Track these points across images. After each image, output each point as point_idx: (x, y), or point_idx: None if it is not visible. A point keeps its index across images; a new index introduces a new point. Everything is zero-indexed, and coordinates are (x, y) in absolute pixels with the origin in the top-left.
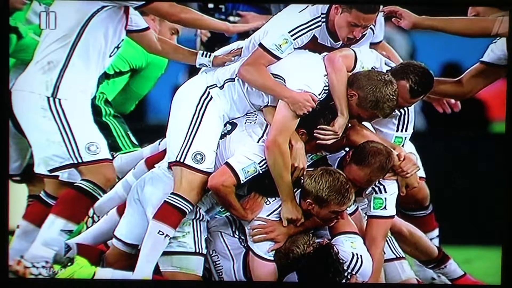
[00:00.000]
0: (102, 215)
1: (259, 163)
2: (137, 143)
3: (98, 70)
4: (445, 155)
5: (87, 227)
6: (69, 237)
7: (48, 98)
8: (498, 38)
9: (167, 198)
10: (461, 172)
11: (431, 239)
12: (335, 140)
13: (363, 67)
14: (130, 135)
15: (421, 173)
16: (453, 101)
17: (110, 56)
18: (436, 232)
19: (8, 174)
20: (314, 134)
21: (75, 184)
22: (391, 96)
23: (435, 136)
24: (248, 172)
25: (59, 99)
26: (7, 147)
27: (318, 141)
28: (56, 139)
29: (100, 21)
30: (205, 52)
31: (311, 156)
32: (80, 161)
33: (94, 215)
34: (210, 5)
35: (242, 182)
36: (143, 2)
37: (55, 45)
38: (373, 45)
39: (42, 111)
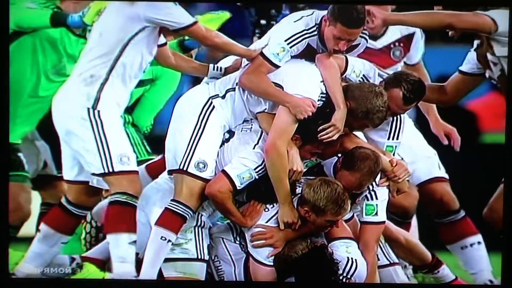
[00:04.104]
0: (101, 220)
1: (254, 169)
2: (151, 152)
3: (132, 84)
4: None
5: (86, 233)
6: (65, 246)
7: (89, 109)
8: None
9: (168, 205)
10: (460, 174)
11: (471, 245)
12: (339, 134)
13: (354, 71)
14: (145, 143)
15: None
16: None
17: (144, 72)
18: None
19: (8, 174)
20: (319, 138)
21: (111, 201)
22: (381, 108)
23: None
24: (243, 178)
25: (99, 111)
26: (7, 147)
27: (323, 139)
28: (91, 147)
29: (139, 40)
30: (216, 66)
31: (306, 163)
32: (111, 170)
33: (92, 221)
34: (263, 22)
35: (238, 188)
36: (185, 25)
37: (97, 60)
38: (409, 67)
39: (81, 121)
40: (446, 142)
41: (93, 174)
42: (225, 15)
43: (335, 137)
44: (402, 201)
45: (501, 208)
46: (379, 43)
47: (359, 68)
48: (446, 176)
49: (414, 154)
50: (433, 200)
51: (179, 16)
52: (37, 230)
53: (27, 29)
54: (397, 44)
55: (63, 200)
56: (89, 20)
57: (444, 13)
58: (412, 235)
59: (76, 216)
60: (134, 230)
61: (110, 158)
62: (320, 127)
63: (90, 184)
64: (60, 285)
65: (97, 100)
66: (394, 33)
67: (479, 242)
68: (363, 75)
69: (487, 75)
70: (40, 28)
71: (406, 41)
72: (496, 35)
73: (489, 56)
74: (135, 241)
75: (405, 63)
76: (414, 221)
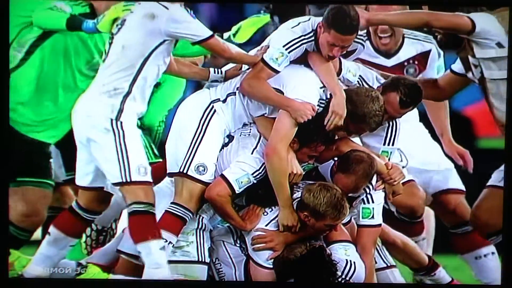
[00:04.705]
0: (101, 223)
1: (252, 174)
2: (158, 155)
3: (148, 94)
4: None
5: (86, 236)
6: (73, 249)
7: (112, 119)
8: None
9: (168, 208)
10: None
11: (485, 255)
12: (343, 119)
13: (349, 70)
14: (153, 146)
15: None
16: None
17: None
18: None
19: (8, 174)
20: (327, 128)
21: (131, 212)
22: (377, 112)
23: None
24: (242, 182)
25: (121, 122)
26: (7, 148)
27: (328, 126)
28: (111, 157)
29: (158, 54)
30: (216, 69)
31: (303, 167)
32: (128, 180)
33: (92, 224)
34: None
35: (237, 192)
36: (204, 38)
37: (120, 74)
38: None
39: (105, 131)
40: (461, 162)
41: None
42: (266, 17)
43: (340, 123)
44: (406, 200)
45: (483, 214)
46: (392, 61)
47: (354, 68)
48: (463, 188)
49: (433, 164)
50: (447, 210)
51: (198, 30)
52: (47, 233)
53: (45, 29)
54: (411, 61)
55: (73, 205)
56: (102, 28)
57: (423, 12)
58: (428, 238)
59: (86, 221)
60: (160, 236)
61: (129, 168)
62: (325, 118)
63: (105, 189)
64: (61, 285)
65: (120, 111)
66: (408, 51)
67: (492, 253)
68: (360, 75)
69: (469, 76)
70: (58, 31)
71: (421, 59)
72: (474, 36)
73: (470, 58)
74: (164, 246)
75: None
76: (431, 225)
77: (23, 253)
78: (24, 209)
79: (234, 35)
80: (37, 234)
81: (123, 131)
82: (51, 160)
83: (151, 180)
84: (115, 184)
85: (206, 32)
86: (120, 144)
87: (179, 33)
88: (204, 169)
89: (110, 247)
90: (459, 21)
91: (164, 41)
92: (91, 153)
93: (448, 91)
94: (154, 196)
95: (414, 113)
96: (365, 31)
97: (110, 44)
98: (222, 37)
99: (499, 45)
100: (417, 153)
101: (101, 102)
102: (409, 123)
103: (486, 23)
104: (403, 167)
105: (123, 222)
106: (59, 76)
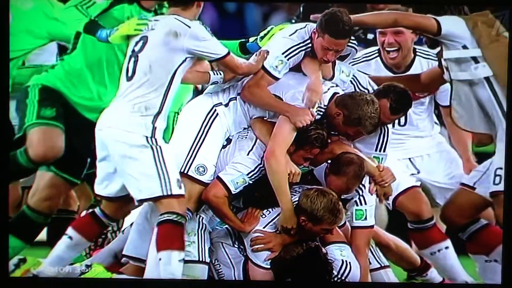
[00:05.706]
0: None
1: (247, 174)
2: None
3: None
4: None
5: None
6: (78, 255)
7: (147, 137)
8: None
9: None
10: None
11: (495, 260)
12: (319, 97)
13: (342, 71)
14: None
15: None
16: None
17: None
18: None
19: (8, 174)
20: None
21: (162, 220)
22: (372, 114)
23: None
24: (237, 183)
25: (156, 139)
26: (8, 147)
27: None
28: (151, 172)
29: (182, 70)
30: (216, 71)
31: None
32: (169, 193)
33: None
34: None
35: (233, 192)
36: (221, 56)
37: (152, 94)
38: (444, 109)
39: (142, 147)
40: None
41: (142, 200)
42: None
43: (315, 100)
44: (410, 206)
45: (450, 212)
46: None
47: (347, 68)
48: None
49: (455, 177)
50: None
51: (216, 48)
52: (68, 238)
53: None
54: None
55: (97, 212)
56: (114, 40)
57: (393, 12)
58: None
59: (106, 226)
60: (183, 248)
61: (169, 182)
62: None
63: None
64: (63, 285)
65: (154, 129)
66: (419, 69)
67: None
68: (354, 76)
69: (445, 77)
70: (75, 30)
71: None
72: (441, 38)
73: (442, 61)
74: (183, 259)
75: (438, 103)
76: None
77: (27, 254)
78: (45, 194)
79: (261, 38)
80: (42, 235)
81: (160, 147)
82: (88, 160)
83: (184, 193)
84: (151, 199)
85: (223, 50)
86: (159, 160)
87: (199, 50)
88: (204, 169)
89: (110, 249)
90: (426, 22)
91: (186, 58)
92: (122, 168)
93: (428, 85)
94: (186, 208)
95: (435, 129)
96: (377, 48)
97: (135, 62)
98: (248, 41)
99: (465, 47)
100: (438, 166)
101: (135, 120)
102: (432, 137)
103: (453, 26)
104: (411, 174)
105: (124, 224)
106: (103, 60)
